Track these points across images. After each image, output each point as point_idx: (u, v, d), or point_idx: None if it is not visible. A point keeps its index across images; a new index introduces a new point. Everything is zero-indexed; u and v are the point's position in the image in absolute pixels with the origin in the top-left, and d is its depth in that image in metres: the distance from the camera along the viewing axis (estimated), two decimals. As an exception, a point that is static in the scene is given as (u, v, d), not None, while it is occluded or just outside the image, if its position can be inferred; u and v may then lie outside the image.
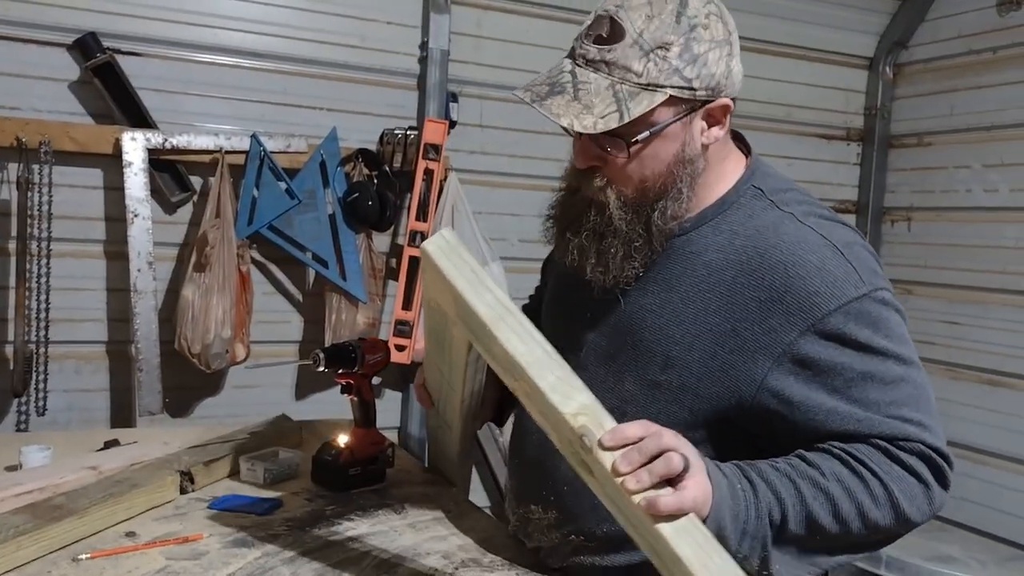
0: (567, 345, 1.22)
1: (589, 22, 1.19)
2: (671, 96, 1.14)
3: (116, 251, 2.55)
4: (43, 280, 2.42)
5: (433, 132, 2.72)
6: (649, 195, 1.20)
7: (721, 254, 1.21)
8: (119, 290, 2.56)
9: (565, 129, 1.16)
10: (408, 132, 2.79)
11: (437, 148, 2.71)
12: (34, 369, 2.42)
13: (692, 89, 1.15)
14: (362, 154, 2.77)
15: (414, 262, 2.71)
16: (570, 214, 1.26)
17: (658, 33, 1.13)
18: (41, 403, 2.44)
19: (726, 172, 1.27)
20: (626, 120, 1.12)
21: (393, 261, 2.90)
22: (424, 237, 2.70)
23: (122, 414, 2.62)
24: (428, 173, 2.72)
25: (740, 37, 1.22)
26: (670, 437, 1.02)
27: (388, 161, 2.79)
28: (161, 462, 1.73)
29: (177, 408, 2.69)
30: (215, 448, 1.85)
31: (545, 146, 3.01)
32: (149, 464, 1.73)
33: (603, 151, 1.19)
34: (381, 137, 2.82)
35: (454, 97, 2.90)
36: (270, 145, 2.62)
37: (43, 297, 2.42)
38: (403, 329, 2.67)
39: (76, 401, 2.58)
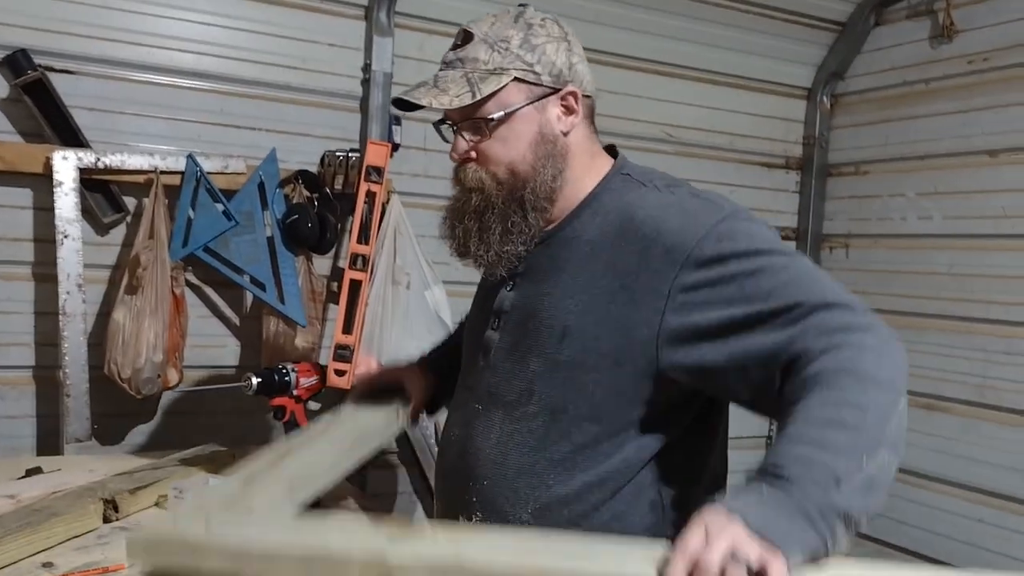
0: (480, 352, 1.44)
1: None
2: (516, 78, 1.31)
3: (44, 273, 2.47)
4: (-34, 303, 2.34)
5: (376, 154, 2.69)
6: (519, 174, 1.34)
7: (598, 230, 1.33)
8: (47, 313, 2.47)
9: (438, 130, 1.42)
10: (350, 154, 2.75)
11: (379, 170, 2.68)
12: (-45, 395, 2.33)
13: (535, 73, 1.32)
14: (302, 176, 2.72)
15: (355, 285, 2.66)
16: (457, 209, 1.40)
17: (499, 30, 1.33)
18: (-38, 431, 2.35)
19: (595, 168, 1.40)
20: (478, 97, 1.29)
21: (334, 285, 2.85)
22: (366, 260, 2.66)
23: (49, 442, 2.52)
24: (370, 195, 2.68)
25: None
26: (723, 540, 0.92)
27: (329, 183, 2.76)
28: (84, 490, 1.68)
29: (107, 435, 2.60)
30: (142, 475, 1.79)
31: (488, 170, 3.01)
32: (71, 492, 1.66)
33: (471, 139, 1.35)
34: (322, 159, 2.79)
35: (397, 120, 2.88)
36: (207, 165, 2.56)
37: (-34, 320, 2.34)
38: (343, 353, 2.62)
39: (-1, 428, 2.48)
